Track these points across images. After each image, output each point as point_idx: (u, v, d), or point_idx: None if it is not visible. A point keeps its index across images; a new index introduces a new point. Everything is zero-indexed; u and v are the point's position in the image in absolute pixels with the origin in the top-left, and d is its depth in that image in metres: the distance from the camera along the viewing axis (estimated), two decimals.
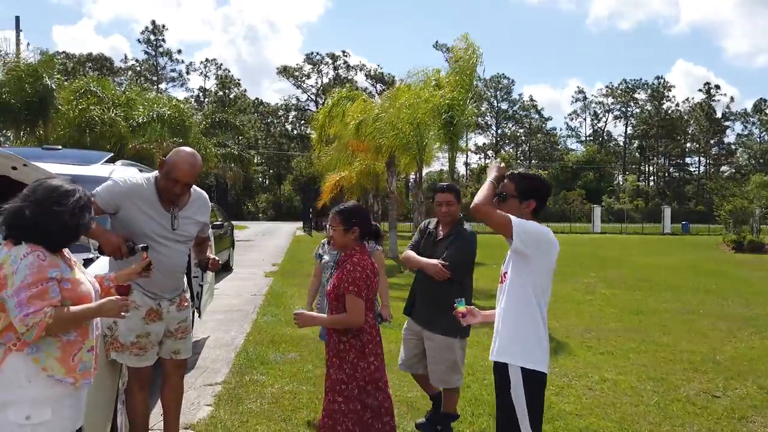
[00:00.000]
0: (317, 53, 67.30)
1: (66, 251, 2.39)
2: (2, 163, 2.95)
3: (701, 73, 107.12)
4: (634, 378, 5.33)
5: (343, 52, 67.48)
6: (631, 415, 4.41)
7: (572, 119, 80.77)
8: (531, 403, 2.45)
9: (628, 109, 77.82)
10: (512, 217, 2.45)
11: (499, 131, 77.27)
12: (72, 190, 2.30)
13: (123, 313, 2.42)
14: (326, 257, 4.54)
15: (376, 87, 62.81)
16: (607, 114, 79.09)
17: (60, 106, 15.82)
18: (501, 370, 2.52)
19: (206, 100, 65.55)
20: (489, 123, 74.31)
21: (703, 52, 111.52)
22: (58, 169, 3.66)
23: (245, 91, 69.10)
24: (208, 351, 6.05)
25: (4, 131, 17.67)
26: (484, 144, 76.26)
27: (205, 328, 7.02)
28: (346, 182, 23.02)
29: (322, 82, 67.17)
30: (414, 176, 25.18)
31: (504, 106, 76.48)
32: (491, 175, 2.58)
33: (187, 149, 3.25)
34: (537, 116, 78.50)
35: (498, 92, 74.85)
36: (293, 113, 69.47)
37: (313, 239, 26.21)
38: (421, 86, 13.14)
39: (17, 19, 23.84)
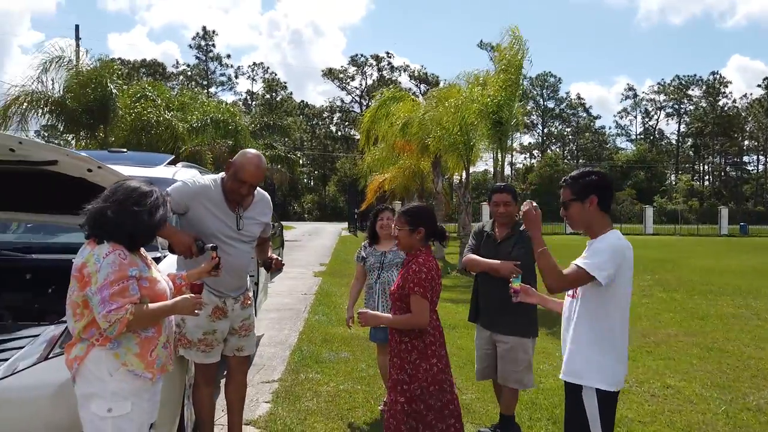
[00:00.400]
0: (361, 55, 67.85)
1: (142, 250, 2.48)
2: (79, 165, 3.07)
3: (759, 68, 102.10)
4: (698, 385, 5.13)
5: (387, 53, 67.80)
6: (697, 424, 4.25)
7: (622, 117, 78.62)
8: (605, 421, 2.38)
9: (681, 106, 75.10)
10: (584, 265, 2.36)
11: (545, 130, 75.90)
12: (150, 191, 2.39)
13: (196, 311, 2.49)
14: (370, 259, 4.49)
15: (419, 87, 62.68)
16: (658, 111, 76.61)
17: (119, 110, 16.42)
18: (574, 389, 2.45)
19: (254, 103, 66.87)
20: (535, 122, 73.07)
21: (762, 46, 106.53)
22: (125, 171, 3.79)
23: (291, 93, 70.22)
24: (264, 349, 6.16)
25: (66, 135, 18.46)
26: (529, 143, 75.08)
27: (260, 326, 7.14)
28: (390, 183, 23.07)
29: (366, 83, 67.58)
30: (459, 177, 25.07)
31: (551, 104, 75.10)
32: (533, 232, 2.56)
33: (253, 151, 3.33)
34: (585, 114, 76.75)
35: (544, 91, 73.55)
36: (338, 115, 70.09)
37: (359, 239, 26.37)
38: (468, 86, 13.03)
39: (77, 27, 24.90)
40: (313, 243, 23.68)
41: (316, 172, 68.75)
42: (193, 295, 2.48)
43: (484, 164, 56.50)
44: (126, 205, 2.31)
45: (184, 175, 4.45)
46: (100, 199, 2.37)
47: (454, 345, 6.19)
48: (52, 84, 16.03)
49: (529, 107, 66.21)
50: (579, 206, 2.52)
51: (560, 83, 75.28)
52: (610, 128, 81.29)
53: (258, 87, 69.19)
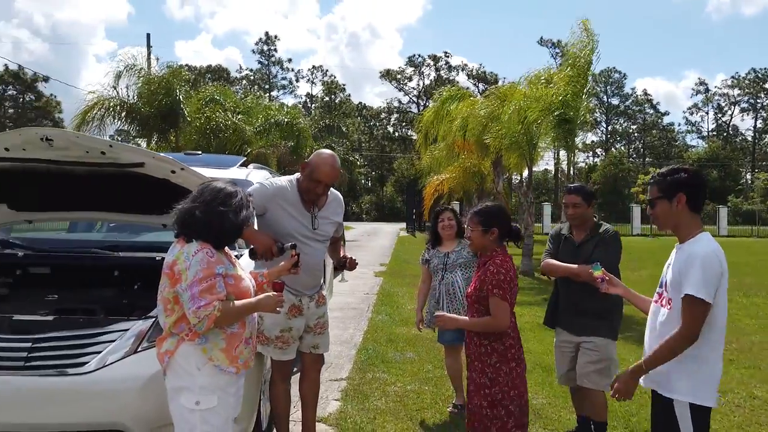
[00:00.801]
0: (418, 55, 67.65)
1: (227, 248, 2.55)
2: (163, 167, 3.20)
3: None
4: None
5: (445, 53, 67.34)
6: None
7: (692, 113, 74.83)
8: None
9: (758, 100, 70.83)
10: (693, 296, 2.20)
11: (609, 128, 73.39)
12: (235, 192, 2.47)
13: (278, 309, 2.55)
14: (434, 261, 4.45)
15: (478, 86, 61.97)
16: (732, 107, 72.52)
17: (187, 115, 17.10)
18: (665, 402, 2.32)
19: (313, 105, 68.04)
20: (598, 119, 70.78)
21: None
22: (201, 172, 3.93)
23: (349, 95, 70.97)
24: (330, 347, 6.20)
25: (138, 139, 19.35)
26: (592, 142, 72.77)
27: None
28: (449, 183, 22.90)
29: (423, 83, 67.40)
30: (519, 176, 24.59)
31: (615, 101, 72.49)
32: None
33: (328, 151, 3.40)
34: (652, 111, 73.60)
35: (608, 87, 71.08)
36: (395, 116, 70.26)
37: (417, 240, 26.32)
38: (531, 84, 12.76)
39: (148, 36, 26.06)
40: (372, 243, 23.82)
41: (373, 173, 69.18)
42: (275, 293, 2.54)
43: (544, 163, 55.21)
44: (213, 206, 2.40)
45: (257, 176, 4.57)
46: (188, 199, 2.47)
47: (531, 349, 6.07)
48: (126, 90, 16.90)
49: (592, 104, 64.13)
50: (666, 205, 2.39)
51: (625, 79, 72.50)
52: (679, 125, 77.74)
53: (317, 90, 70.41)
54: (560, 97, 10.38)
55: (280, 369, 3.38)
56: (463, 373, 4.47)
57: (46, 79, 57.36)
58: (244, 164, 5.29)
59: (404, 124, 68.91)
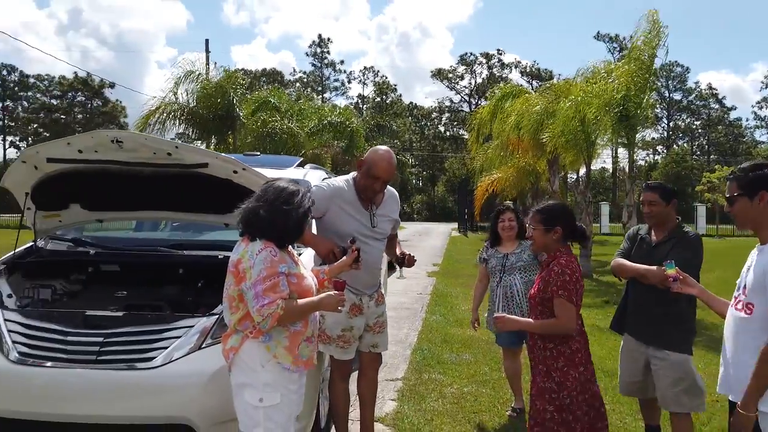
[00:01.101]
0: (470, 53, 66.92)
1: (289, 247, 2.58)
2: (226, 167, 3.27)
3: None
4: None
5: (498, 50, 66.36)
6: None
7: (761, 107, 70.89)
8: None
9: None
10: None
11: (671, 124, 70.50)
12: (296, 191, 2.49)
13: (339, 308, 2.55)
14: (492, 261, 4.32)
15: (531, 84, 60.81)
16: None
17: (243, 118, 17.53)
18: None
19: (364, 106, 68.48)
20: (659, 115, 68.06)
21: None
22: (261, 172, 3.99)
23: (400, 96, 71.03)
24: None
25: (197, 142, 19.97)
26: (653, 138, 70.08)
27: None
28: (502, 182, 22.55)
29: (475, 82, 66.65)
30: (576, 174, 23.94)
31: (677, 96, 69.55)
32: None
33: (384, 147, 3.40)
34: (717, 106, 70.17)
35: (670, 82, 68.26)
36: (446, 115, 69.81)
37: (469, 240, 26.06)
38: (588, 80, 12.38)
39: (206, 42, 26.89)
40: (424, 243, 23.73)
41: (424, 173, 69.00)
42: (336, 292, 2.54)
43: (601, 162, 53.56)
44: (276, 205, 2.43)
45: (313, 176, 4.62)
46: (252, 198, 2.51)
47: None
48: (185, 95, 17.49)
49: (653, 100, 61.66)
50: (746, 203, 2.24)
51: (688, 73, 69.33)
52: (747, 120, 73.56)
53: (368, 90, 70.82)
54: (621, 93, 9.99)
55: (339, 368, 3.39)
56: (522, 376, 4.37)
57: (112, 86, 60.22)
58: (301, 164, 5.35)
59: (456, 123, 68.35)
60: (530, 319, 2.91)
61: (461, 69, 66.65)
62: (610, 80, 10.86)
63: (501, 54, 66.23)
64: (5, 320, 3.02)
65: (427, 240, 25.91)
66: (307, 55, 69.27)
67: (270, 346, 2.41)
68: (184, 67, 17.42)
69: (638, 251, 3.43)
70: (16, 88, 62.67)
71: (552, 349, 2.74)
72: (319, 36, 68.75)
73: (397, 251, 3.62)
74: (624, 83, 9.98)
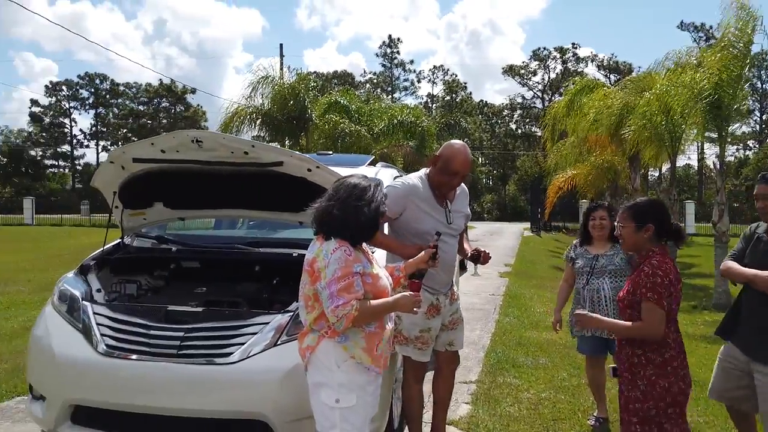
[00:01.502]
0: (544, 48, 65.01)
1: (365, 246, 2.53)
2: (301, 165, 3.28)
3: None
4: None
5: (573, 44, 64.18)
6: None
7: None
8: None
9: None
10: None
11: (764, 117, 65.60)
12: (368, 186, 2.44)
13: (415, 309, 2.48)
14: (580, 261, 4.05)
15: (609, 77, 58.34)
16: None
17: (315, 119, 17.87)
18: None
19: (434, 105, 68.14)
20: (750, 108, 63.44)
21: None
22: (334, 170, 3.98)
23: (470, 93, 70.14)
24: None
25: (271, 143, 20.57)
26: (743, 133, 65.49)
27: None
28: (578, 180, 21.71)
29: (549, 78, 64.78)
30: (658, 171, 22.70)
31: None
32: None
33: (458, 141, 3.32)
34: None
35: (763, 72, 63.55)
36: (518, 112, 68.29)
37: (543, 240, 25.34)
38: (675, 70, 11.63)
39: (281, 46, 27.84)
40: (495, 243, 23.27)
41: (495, 172, 67.82)
42: (412, 292, 2.47)
43: (685, 158, 50.67)
44: (349, 202, 2.39)
45: (385, 174, 4.57)
46: (325, 197, 2.48)
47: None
48: (261, 99, 18.03)
49: (745, 90, 57.48)
50: None
51: None
52: None
53: (438, 89, 70.41)
54: (714, 81, 9.28)
55: (415, 369, 3.32)
56: (606, 385, 4.14)
57: (193, 91, 63.23)
58: (372, 163, 5.34)
59: (528, 120, 66.75)
60: (614, 320, 2.72)
61: (534, 64, 64.95)
62: (701, 70, 10.15)
63: (576, 48, 64.03)
64: (94, 314, 3.16)
65: (499, 240, 25.39)
66: (377, 55, 69.93)
67: (347, 347, 2.36)
68: (260, 73, 17.97)
69: (752, 252, 3.07)
70: (108, 96, 67.03)
71: (641, 355, 2.55)
72: (389, 36, 69.23)
73: (466, 247, 3.54)
74: (716, 72, 9.29)
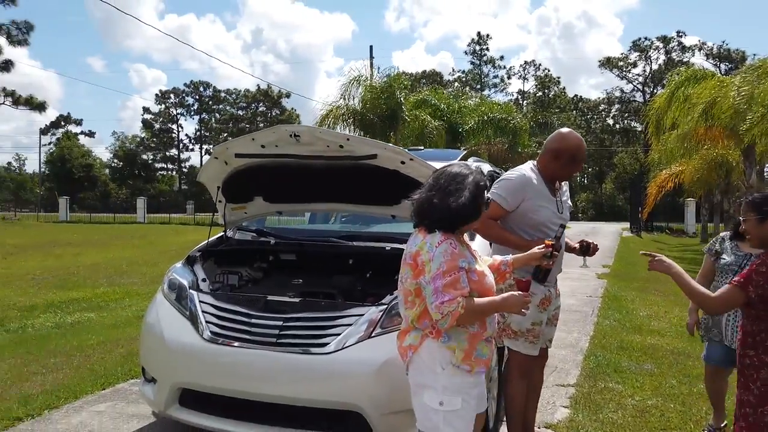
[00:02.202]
0: (645, 38, 61.31)
1: (467, 239, 2.43)
2: (394, 158, 3.27)
3: None
4: None
5: (677, 32, 60.05)
6: None
7: None
8: None
9: None
10: None
11: None
12: (469, 173, 2.34)
13: (524, 310, 2.34)
14: (726, 257, 3.50)
15: (719, 67, 54.09)
16: None
17: (406, 117, 17.98)
18: None
19: (525, 102, 66.39)
20: None
21: None
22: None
23: (564, 89, 67.61)
24: (553, 350, 5.79)
25: None
26: None
27: None
28: (684, 176, 20.30)
29: (650, 69, 61.04)
30: None
31: None
32: None
33: (568, 129, 3.25)
34: None
35: None
36: (616, 106, 64.97)
37: (643, 241, 23.91)
38: None
39: (371, 48, 28.19)
40: None
41: (590, 169, 64.95)
42: (521, 292, 2.33)
43: None
44: (449, 190, 2.28)
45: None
46: (424, 188, 2.37)
47: None
48: (352, 100, 18.44)
49: None
50: None
51: None
52: None
53: (529, 85, 68.52)
54: None
55: (521, 364, 3.18)
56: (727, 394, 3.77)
57: (288, 95, 65.84)
58: (465, 158, 5.24)
59: (627, 114, 63.34)
60: (691, 281, 2.50)
61: (634, 56, 61.42)
62: None
63: (681, 36, 59.85)
64: (200, 302, 3.31)
65: (595, 240, 23.80)
66: (466, 53, 68.99)
67: (451, 347, 2.25)
68: (351, 74, 18.42)
69: None
70: (210, 102, 71.28)
71: (752, 356, 2.34)
72: (478, 34, 68.22)
73: (567, 240, 3.41)
74: None
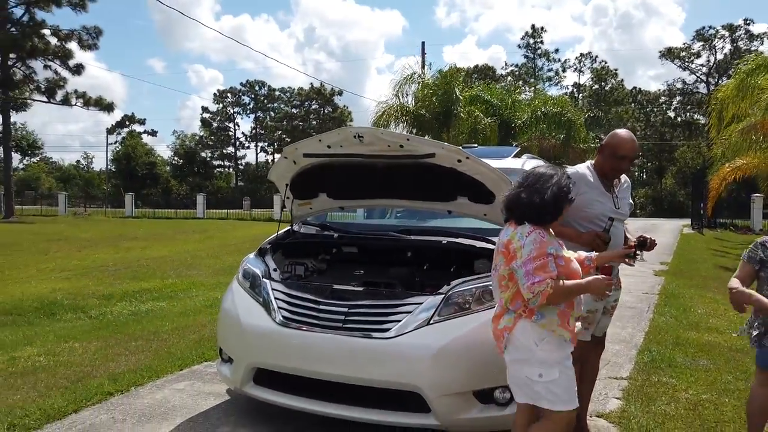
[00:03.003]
0: (710, 27, 58.71)
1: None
2: (451, 156, 3.47)
3: None
4: None
5: (745, 20, 57.15)
6: None
7: None
8: None
9: None
10: None
11: None
12: (554, 174, 2.61)
13: (607, 292, 2.64)
14: None
15: None
16: None
17: (461, 114, 18.00)
18: None
19: (580, 95, 64.78)
20: None
21: None
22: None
23: (622, 81, 65.57)
24: (607, 345, 5.80)
25: None
26: None
27: None
28: (750, 170, 19.39)
29: (715, 59, 58.40)
30: None
31: None
32: None
33: (623, 129, 3.43)
34: None
35: None
36: (677, 98, 62.49)
37: (705, 239, 23.08)
38: None
39: (422, 44, 28.19)
40: None
41: (650, 164, 62.84)
42: (604, 276, 2.59)
43: None
44: (536, 187, 2.56)
45: (531, 165, 4.60)
46: (515, 186, 2.67)
47: None
48: (405, 97, 18.59)
49: None
50: None
51: None
52: None
53: (585, 78, 66.78)
54: None
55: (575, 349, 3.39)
56: None
57: (340, 93, 66.70)
58: (518, 155, 5.37)
59: (689, 107, 60.83)
60: None
61: (697, 46, 58.87)
62: None
63: (749, 24, 56.94)
64: (272, 289, 3.61)
65: (653, 237, 23.46)
66: (519, 47, 67.93)
67: (545, 324, 2.52)
68: (404, 72, 18.55)
69: None
70: (265, 101, 73.01)
71: None
72: (532, 26, 66.93)
73: (627, 236, 3.53)
74: None
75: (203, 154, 71.15)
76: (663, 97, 63.60)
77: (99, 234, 21.70)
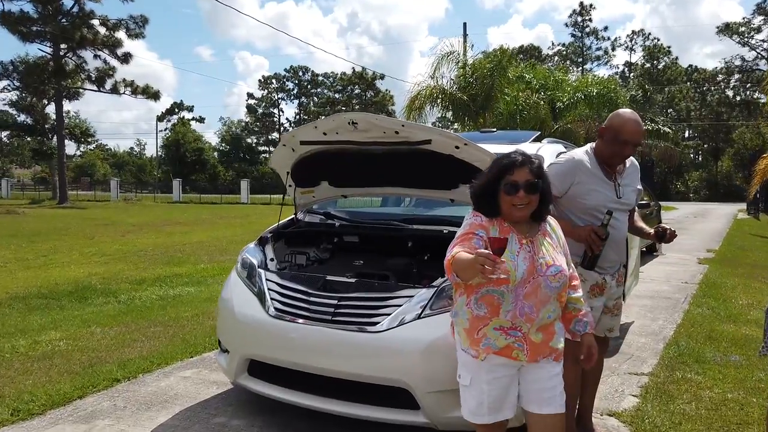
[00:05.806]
0: None
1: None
2: (448, 143, 3.33)
3: None
4: None
5: None
6: None
7: None
8: None
9: None
10: None
11: None
12: (496, 159, 2.42)
13: (490, 276, 1.96)
14: None
15: None
16: None
17: (506, 95, 17.46)
18: None
19: (631, 74, 62.32)
20: None
21: None
22: (492, 148, 3.93)
23: (676, 58, 62.71)
24: (633, 338, 5.65)
25: (455, 124, 20.59)
26: None
27: (630, 312, 6.59)
28: None
29: None
30: None
31: None
32: None
33: (627, 110, 3.12)
34: None
35: None
36: (736, 76, 59.31)
37: (761, 224, 21.94)
38: None
39: (464, 25, 27.65)
40: (698, 226, 20.76)
41: (705, 146, 60.09)
42: (488, 253, 1.94)
43: None
44: (478, 176, 2.43)
45: (547, 150, 4.38)
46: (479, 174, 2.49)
47: None
48: (443, 79, 18.08)
49: None
50: None
51: None
52: None
53: (637, 57, 64.17)
54: None
55: (574, 351, 3.18)
56: None
57: (382, 77, 66.69)
58: (538, 139, 5.13)
59: (749, 85, 57.69)
60: None
61: (758, 20, 55.57)
62: None
63: None
64: (267, 280, 3.56)
65: (703, 223, 22.57)
66: (566, 26, 65.87)
67: (455, 323, 2.37)
68: (443, 50, 18.01)
69: None
70: (309, 86, 73.58)
71: None
72: (581, 4, 64.52)
73: (642, 225, 3.34)
74: None
75: (249, 140, 72.46)
76: (720, 75, 60.51)
77: (145, 219, 22.39)
